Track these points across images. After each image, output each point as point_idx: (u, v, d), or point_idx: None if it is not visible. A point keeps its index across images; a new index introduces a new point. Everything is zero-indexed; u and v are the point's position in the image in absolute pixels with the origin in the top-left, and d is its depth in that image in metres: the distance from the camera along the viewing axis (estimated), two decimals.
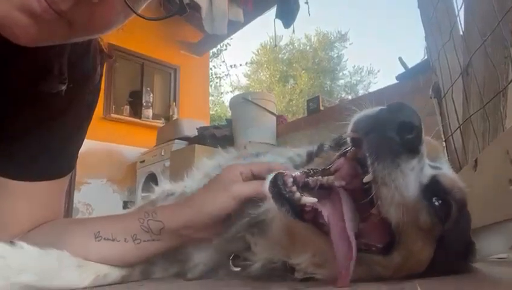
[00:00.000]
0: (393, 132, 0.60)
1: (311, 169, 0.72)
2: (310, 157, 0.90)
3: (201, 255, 0.88)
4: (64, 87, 0.85)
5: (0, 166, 0.85)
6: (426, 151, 0.71)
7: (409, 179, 0.62)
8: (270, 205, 0.69)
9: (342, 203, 0.65)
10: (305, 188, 0.67)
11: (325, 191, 0.68)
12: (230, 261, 0.83)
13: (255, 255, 0.77)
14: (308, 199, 0.64)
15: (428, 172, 0.67)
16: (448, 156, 1.47)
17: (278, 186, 0.65)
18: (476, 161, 0.98)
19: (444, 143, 1.51)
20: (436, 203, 0.67)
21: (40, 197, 0.89)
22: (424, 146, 0.64)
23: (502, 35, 1.00)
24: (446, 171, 0.73)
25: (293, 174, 0.67)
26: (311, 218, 0.65)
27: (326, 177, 0.68)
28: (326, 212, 0.64)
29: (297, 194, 0.64)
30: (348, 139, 0.68)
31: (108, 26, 0.68)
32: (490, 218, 0.89)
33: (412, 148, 0.62)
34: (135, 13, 0.66)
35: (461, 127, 1.29)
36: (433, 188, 0.67)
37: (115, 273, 0.83)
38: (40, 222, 0.88)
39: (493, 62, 1.06)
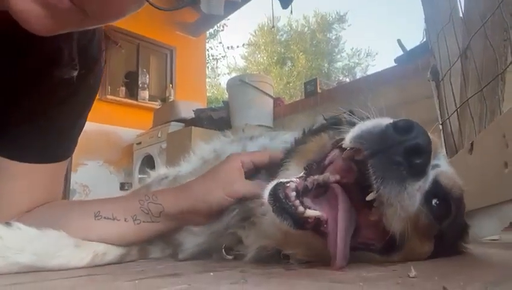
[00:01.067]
0: (401, 157, 0.57)
1: (307, 166, 0.70)
2: (299, 142, 0.89)
3: (193, 243, 0.90)
4: (75, 73, 0.86)
5: (3, 147, 0.86)
6: None
7: (415, 199, 0.61)
8: (267, 210, 0.66)
9: (338, 202, 0.64)
10: (304, 192, 0.65)
11: (321, 189, 0.66)
12: (223, 250, 0.84)
13: (246, 247, 0.78)
14: (313, 212, 0.62)
15: (430, 177, 0.66)
16: (444, 139, 1.47)
17: (280, 200, 0.62)
18: (472, 143, 0.99)
19: (440, 126, 1.51)
20: (435, 204, 0.67)
21: (40, 180, 0.89)
22: (430, 166, 0.62)
23: (502, 17, 0.99)
24: (444, 169, 0.72)
25: (295, 184, 0.64)
26: (312, 226, 0.64)
27: (322, 176, 0.66)
28: (326, 215, 0.63)
29: (301, 208, 0.61)
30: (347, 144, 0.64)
31: (121, 14, 0.67)
32: (485, 200, 0.90)
33: (420, 172, 0.60)
34: (149, 3, 0.65)
35: (458, 110, 1.29)
36: (434, 190, 0.66)
37: (113, 253, 0.84)
38: (38, 204, 0.88)
39: (492, 45, 1.05)
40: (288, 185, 0.64)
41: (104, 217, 0.82)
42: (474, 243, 0.95)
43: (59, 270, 0.73)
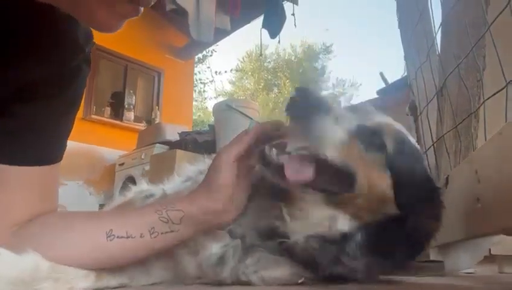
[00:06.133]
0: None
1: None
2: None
3: (219, 244, 0.87)
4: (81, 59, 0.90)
5: None
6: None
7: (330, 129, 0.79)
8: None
9: None
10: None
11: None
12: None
13: (292, 231, 0.82)
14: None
15: (354, 123, 0.84)
16: None
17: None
18: (447, 178, 1.02)
19: None
20: (372, 141, 0.82)
21: (35, 184, 0.83)
22: (334, 108, 0.83)
23: (475, 59, 1.05)
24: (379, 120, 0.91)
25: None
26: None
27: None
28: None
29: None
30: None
31: None
32: (459, 234, 0.92)
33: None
34: None
35: (435, 145, 1.34)
36: (363, 131, 0.82)
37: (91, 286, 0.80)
38: (37, 212, 0.82)
39: (466, 85, 1.11)
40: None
41: (117, 237, 0.76)
42: (450, 276, 0.97)
43: None
